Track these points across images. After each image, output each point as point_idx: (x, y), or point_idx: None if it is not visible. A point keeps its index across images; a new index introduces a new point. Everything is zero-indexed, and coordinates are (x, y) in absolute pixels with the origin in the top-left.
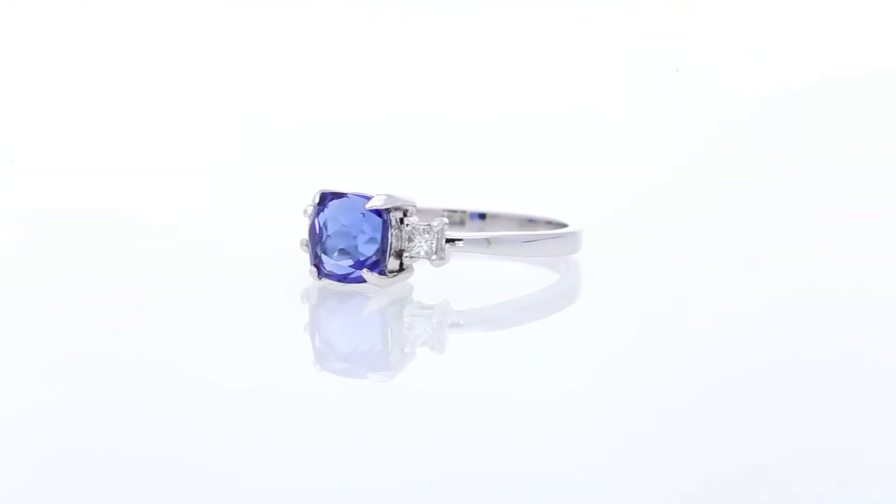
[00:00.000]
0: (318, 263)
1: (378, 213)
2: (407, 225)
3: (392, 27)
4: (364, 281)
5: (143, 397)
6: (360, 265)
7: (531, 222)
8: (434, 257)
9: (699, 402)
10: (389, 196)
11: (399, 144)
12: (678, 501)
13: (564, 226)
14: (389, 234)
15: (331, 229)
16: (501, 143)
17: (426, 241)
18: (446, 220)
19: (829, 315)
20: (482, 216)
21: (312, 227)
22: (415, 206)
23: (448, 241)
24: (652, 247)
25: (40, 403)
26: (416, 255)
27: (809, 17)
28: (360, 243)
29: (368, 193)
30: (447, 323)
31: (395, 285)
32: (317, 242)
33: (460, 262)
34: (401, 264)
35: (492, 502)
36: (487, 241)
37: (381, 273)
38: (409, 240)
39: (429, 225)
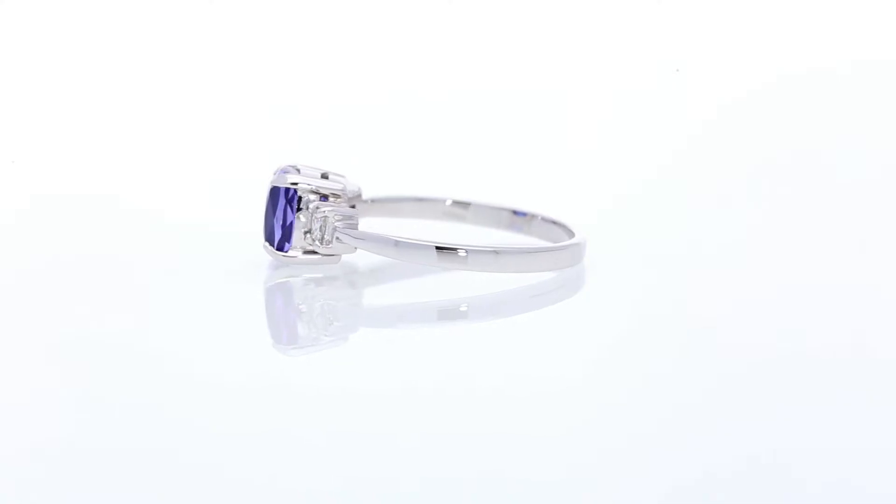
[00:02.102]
0: None
1: (285, 191)
2: (310, 209)
3: (397, 29)
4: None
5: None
6: (266, 238)
7: (554, 224)
8: (318, 243)
9: (697, 400)
10: (300, 176)
11: (397, 138)
12: (675, 499)
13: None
14: (290, 212)
15: (269, 202)
16: (503, 140)
17: (319, 228)
18: (338, 210)
19: (830, 311)
20: (524, 214)
21: None
22: (339, 192)
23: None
24: (652, 246)
25: (33, 395)
26: (315, 240)
27: (810, 16)
28: (271, 219)
29: (306, 171)
30: (328, 310)
31: (317, 265)
32: None
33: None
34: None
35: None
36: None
37: (281, 249)
38: (314, 223)
39: (318, 211)
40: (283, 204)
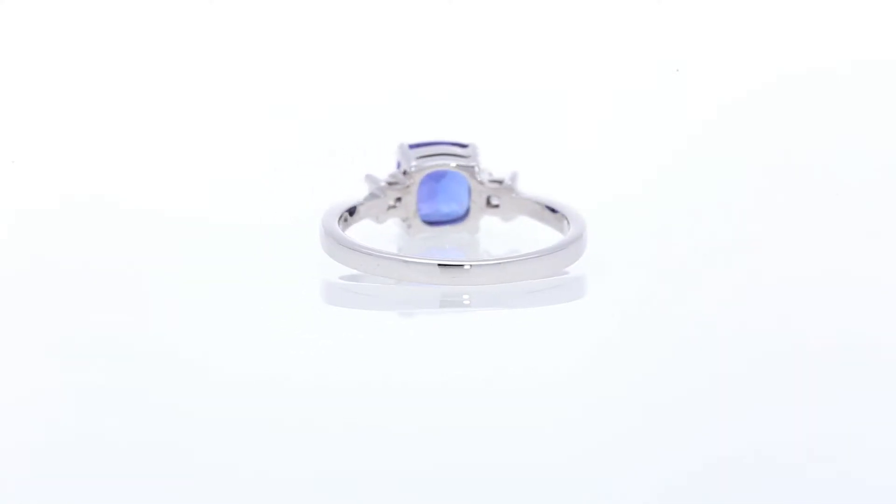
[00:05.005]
0: None
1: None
2: None
3: (396, 28)
4: None
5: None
6: None
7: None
8: None
9: (699, 395)
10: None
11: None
12: (676, 495)
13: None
14: None
15: None
16: (502, 139)
17: None
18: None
19: (834, 311)
20: (553, 210)
21: None
22: (405, 167)
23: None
24: (652, 244)
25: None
26: None
27: (810, 16)
28: None
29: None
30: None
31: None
32: None
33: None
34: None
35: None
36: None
37: None
38: None
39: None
40: None
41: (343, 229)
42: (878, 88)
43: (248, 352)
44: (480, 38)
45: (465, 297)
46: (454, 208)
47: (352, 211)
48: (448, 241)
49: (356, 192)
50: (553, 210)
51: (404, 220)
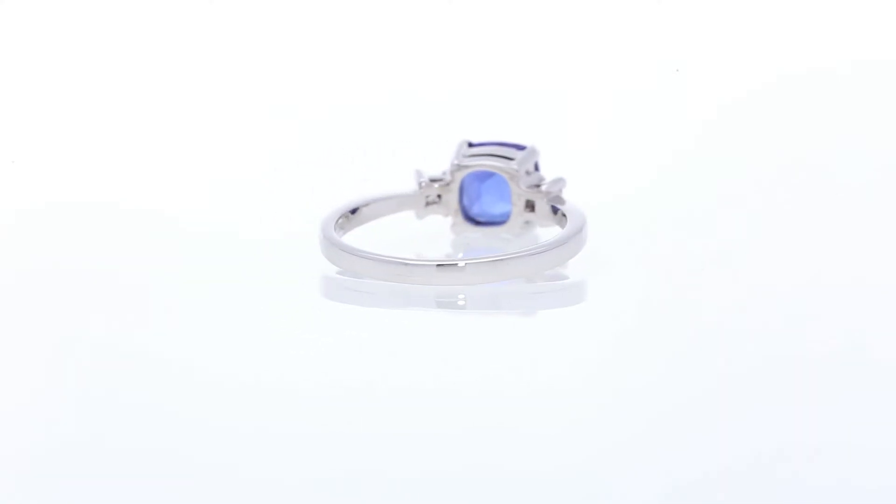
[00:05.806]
0: None
1: None
2: None
3: (397, 28)
4: None
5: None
6: None
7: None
8: None
9: (701, 398)
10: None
11: (398, 137)
12: (677, 499)
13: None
14: None
15: None
16: (505, 134)
17: None
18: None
19: (837, 306)
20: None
21: None
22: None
23: None
24: (652, 244)
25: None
26: None
27: (810, 16)
28: None
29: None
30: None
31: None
32: None
33: None
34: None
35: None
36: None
37: None
38: None
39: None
40: None
41: (346, 229)
42: (879, 88)
43: (247, 350)
44: (480, 38)
45: (461, 296)
46: (502, 209)
47: (354, 210)
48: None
49: (356, 192)
50: (555, 210)
51: (446, 217)
